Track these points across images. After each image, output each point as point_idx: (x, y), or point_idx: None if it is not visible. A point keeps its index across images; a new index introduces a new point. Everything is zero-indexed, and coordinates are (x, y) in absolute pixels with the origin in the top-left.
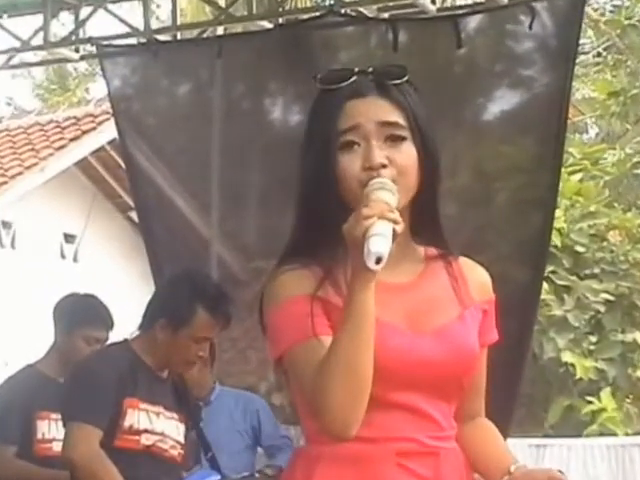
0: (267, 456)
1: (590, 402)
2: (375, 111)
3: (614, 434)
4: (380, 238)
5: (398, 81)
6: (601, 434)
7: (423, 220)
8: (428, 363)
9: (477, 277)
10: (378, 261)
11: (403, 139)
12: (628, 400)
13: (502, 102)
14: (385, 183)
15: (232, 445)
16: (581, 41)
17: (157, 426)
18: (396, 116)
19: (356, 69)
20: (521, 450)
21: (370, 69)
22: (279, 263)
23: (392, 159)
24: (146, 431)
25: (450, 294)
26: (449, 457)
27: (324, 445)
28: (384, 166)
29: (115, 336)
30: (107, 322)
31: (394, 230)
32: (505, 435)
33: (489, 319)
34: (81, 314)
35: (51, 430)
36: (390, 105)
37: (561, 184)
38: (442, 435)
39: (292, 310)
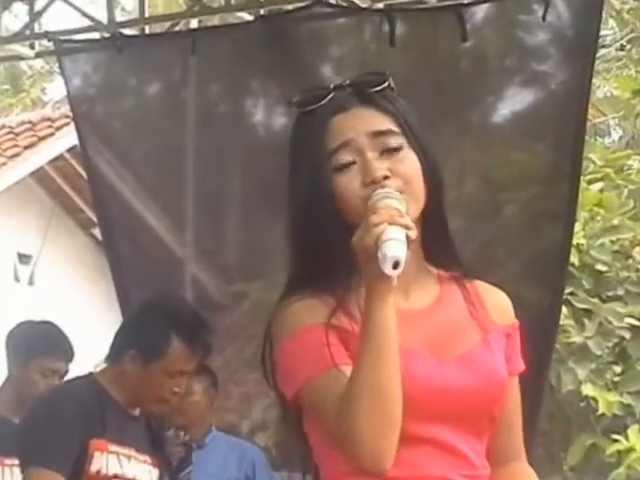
0: None
1: (616, 441)
2: (364, 122)
3: None
4: (395, 242)
5: (379, 87)
6: (629, 477)
7: (434, 237)
8: (455, 392)
9: (496, 301)
10: (396, 266)
11: (400, 147)
12: None
13: (513, 102)
14: (389, 192)
15: None
16: (602, 32)
17: (128, 471)
18: (387, 123)
19: (332, 85)
20: None
21: (347, 81)
22: (284, 295)
23: (394, 169)
24: (116, 477)
25: (469, 319)
26: None
27: None
28: (386, 177)
29: (76, 369)
30: (67, 352)
31: (408, 236)
32: None
33: (514, 345)
34: (37, 343)
35: (5, 478)
36: (378, 113)
37: (579, 194)
38: (475, 474)
39: (307, 340)
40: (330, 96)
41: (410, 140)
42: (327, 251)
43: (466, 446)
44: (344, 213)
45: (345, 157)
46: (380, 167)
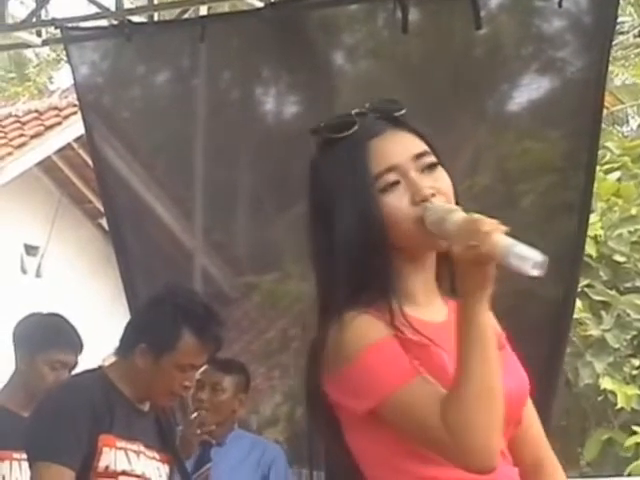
0: None
1: (634, 434)
2: (404, 145)
3: None
4: (526, 246)
5: (402, 112)
6: None
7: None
8: (506, 397)
9: None
10: (542, 266)
11: (436, 165)
12: None
13: (529, 90)
14: (452, 205)
15: None
16: (619, 19)
17: (136, 467)
18: (422, 145)
19: (353, 112)
20: None
21: (368, 107)
22: (335, 313)
23: (437, 188)
24: (124, 473)
25: None
26: None
27: None
28: (433, 195)
29: (85, 362)
30: (75, 345)
31: None
32: None
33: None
34: (45, 336)
35: (13, 472)
36: (410, 135)
37: (596, 184)
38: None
39: (385, 352)
40: (358, 122)
41: (438, 159)
42: (375, 269)
43: (506, 448)
44: (391, 231)
45: (390, 178)
46: (426, 185)
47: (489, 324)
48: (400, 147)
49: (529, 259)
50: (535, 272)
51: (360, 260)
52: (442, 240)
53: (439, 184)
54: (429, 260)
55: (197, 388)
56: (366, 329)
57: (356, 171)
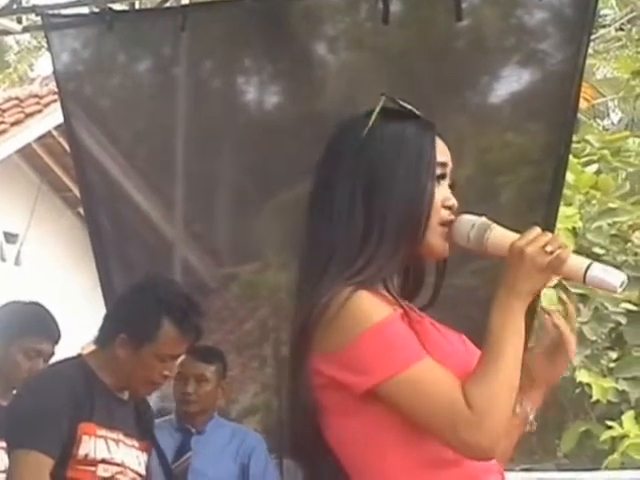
0: None
1: (610, 427)
2: (449, 155)
3: (638, 465)
4: (606, 266)
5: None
6: (622, 464)
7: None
8: None
9: None
10: (622, 285)
11: (453, 188)
12: None
13: (511, 82)
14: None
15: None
16: (602, 12)
17: (116, 456)
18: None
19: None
20: None
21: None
22: (331, 285)
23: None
24: (104, 461)
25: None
26: None
27: (413, 476)
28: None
29: (63, 351)
30: (52, 333)
31: None
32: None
33: None
34: (21, 323)
35: None
36: (448, 150)
37: (574, 177)
38: None
39: (393, 329)
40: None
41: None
42: (399, 248)
43: None
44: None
45: (439, 171)
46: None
47: (522, 323)
48: (448, 154)
49: (615, 276)
50: (620, 289)
51: (396, 232)
52: (447, 244)
53: (456, 205)
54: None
55: (182, 382)
56: (370, 304)
57: (424, 150)
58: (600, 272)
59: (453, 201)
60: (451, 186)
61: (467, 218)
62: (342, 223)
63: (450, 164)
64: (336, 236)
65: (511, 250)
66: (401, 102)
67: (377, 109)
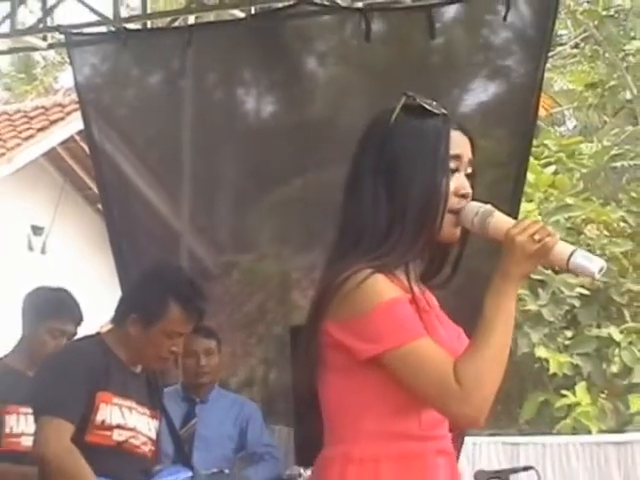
0: (248, 462)
1: (565, 396)
2: (466, 146)
3: (588, 429)
4: (588, 253)
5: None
6: (575, 429)
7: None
8: None
9: None
10: (601, 270)
11: (473, 177)
12: (603, 396)
13: (479, 94)
14: (488, 205)
15: (217, 445)
16: (558, 32)
17: (130, 422)
18: (471, 152)
19: (434, 103)
20: (495, 449)
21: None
22: (351, 265)
23: (470, 193)
24: (118, 427)
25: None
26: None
27: (381, 445)
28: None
29: (84, 329)
30: (75, 315)
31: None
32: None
33: None
34: (48, 307)
35: (20, 425)
36: (469, 142)
37: (534, 177)
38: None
39: (401, 308)
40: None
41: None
42: (420, 236)
43: None
44: None
45: (452, 164)
46: (467, 185)
47: (514, 308)
48: (465, 146)
49: (595, 262)
50: (598, 275)
51: (420, 225)
52: (458, 229)
53: (470, 193)
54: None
55: (194, 358)
56: (384, 286)
57: (439, 145)
58: (581, 259)
59: (467, 190)
60: (470, 174)
61: (473, 205)
62: (369, 214)
63: (467, 155)
64: (364, 224)
65: (505, 238)
66: (420, 100)
67: (398, 107)
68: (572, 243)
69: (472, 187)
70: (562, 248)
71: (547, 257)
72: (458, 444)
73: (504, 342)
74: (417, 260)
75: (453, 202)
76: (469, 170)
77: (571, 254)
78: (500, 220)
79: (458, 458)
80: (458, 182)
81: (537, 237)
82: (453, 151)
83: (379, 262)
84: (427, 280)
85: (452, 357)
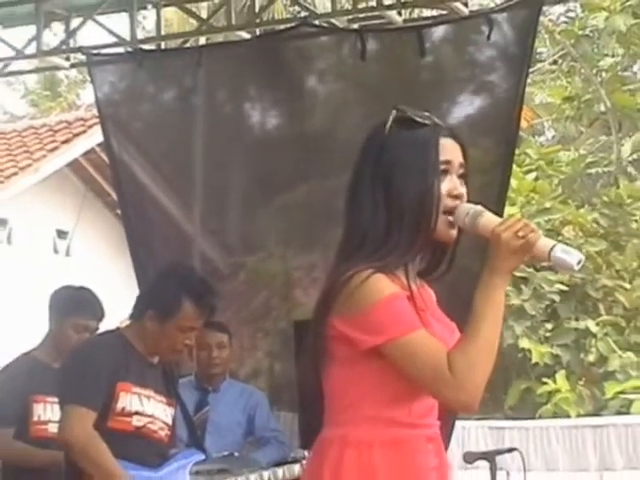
0: (256, 446)
1: (545, 384)
2: (456, 152)
3: (567, 414)
4: (568, 247)
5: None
6: (555, 414)
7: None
8: None
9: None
10: (579, 263)
11: (465, 177)
12: (580, 383)
13: (466, 107)
14: (479, 206)
15: (228, 430)
16: (538, 50)
17: (147, 409)
18: (462, 157)
19: (426, 114)
20: (482, 432)
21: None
22: (354, 266)
23: (463, 194)
24: (137, 413)
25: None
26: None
27: (376, 430)
28: (462, 196)
29: (106, 325)
30: (97, 312)
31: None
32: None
33: None
34: (73, 304)
35: (47, 412)
36: (460, 148)
37: (517, 182)
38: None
39: (400, 304)
40: (431, 121)
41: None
42: (417, 238)
43: None
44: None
45: (443, 167)
46: (461, 187)
47: (503, 300)
48: (454, 151)
49: (574, 255)
50: (577, 267)
51: (415, 227)
52: (455, 230)
53: (464, 192)
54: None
55: (207, 350)
56: (385, 284)
57: (429, 152)
58: (561, 253)
59: (459, 190)
60: (463, 175)
61: (465, 206)
62: (368, 220)
63: (457, 159)
64: (365, 230)
65: (491, 235)
66: (410, 112)
67: (389, 121)
68: None
69: (466, 188)
70: (544, 243)
71: (531, 252)
72: (449, 428)
73: (493, 332)
74: (416, 260)
75: (447, 203)
76: (461, 172)
77: (552, 248)
78: (489, 219)
79: (449, 441)
80: (450, 184)
81: (521, 234)
82: (443, 157)
83: (379, 263)
84: (425, 275)
85: (446, 348)
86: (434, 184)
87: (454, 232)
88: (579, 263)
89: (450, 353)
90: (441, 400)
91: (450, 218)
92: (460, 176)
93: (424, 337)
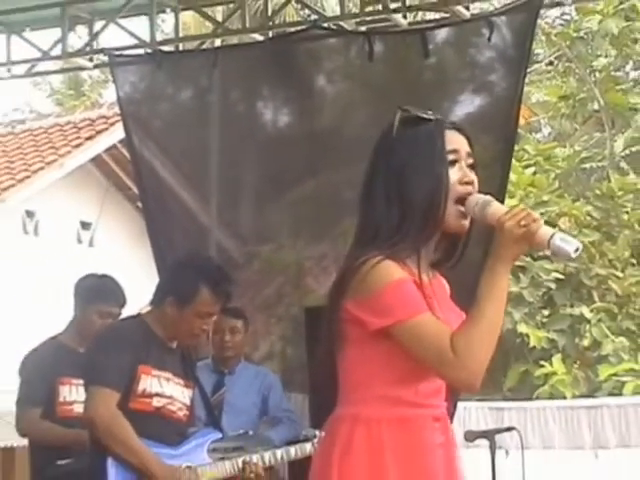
0: (270, 425)
1: (542, 367)
2: (462, 142)
3: (563, 395)
4: (566, 236)
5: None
6: (551, 395)
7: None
8: None
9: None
10: (577, 250)
11: (474, 166)
12: (575, 366)
13: (467, 105)
14: (488, 197)
15: (243, 410)
16: (535, 51)
17: (167, 390)
18: (469, 147)
19: (429, 112)
20: (482, 412)
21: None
22: (368, 253)
23: (473, 182)
24: (157, 395)
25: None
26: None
27: (384, 408)
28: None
29: (128, 311)
30: (119, 299)
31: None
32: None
33: None
34: (96, 291)
35: (72, 394)
36: (466, 139)
37: (516, 177)
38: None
39: (407, 288)
40: (434, 117)
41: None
42: (432, 229)
43: None
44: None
45: (451, 156)
46: (472, 174)
47: (507, 286)
48: (460, 141)
49: (572, 243)
50: (574, 255)
51: (425, 218)
52: (467, 220)
53: (475, 179)
54: (437, 237)
55: (220, 334)
56: (394, 269)
57: (435, 143)
58: (559, 241)
59: (470, 177)
60: (471, 165)
61: (476, 196)
62: (383, 213)
63: (464, 148)
64: (379, 222)
65: (497, 224)
66: (414, 111)
67: (396, 120)
68: None
69: (476, 175)
70: (544, 232)
71: (532, 240)
72: (451, 409)
73: (496, 316)
74: (429, 250)
75: (459, 190)
76: (470, 161)
77: (551, 237)
78: (496, 209)
79: (452, 421)
80: (460, 172)
81: (523, 223)
82: (450, 146)
83: (390, 250)
84: (439, 266)
85: (451, 331)
86: (442, 173)
87: (466, 223)
88: (577, 251)
89: (454, 334)
90: (445, 379)
91: (461, 208)
92: (469, 166)
93: (430, 320)
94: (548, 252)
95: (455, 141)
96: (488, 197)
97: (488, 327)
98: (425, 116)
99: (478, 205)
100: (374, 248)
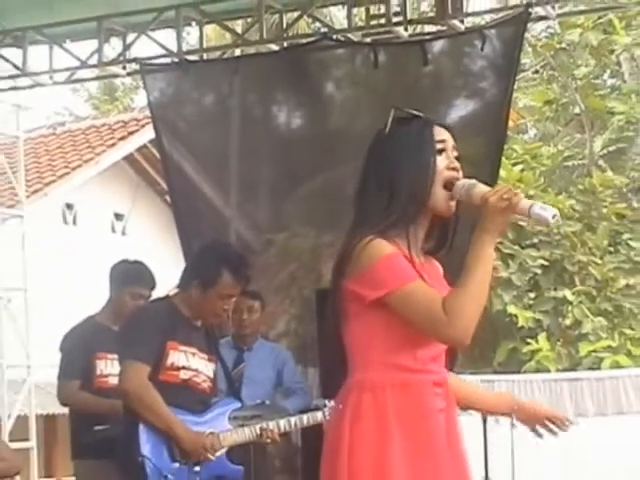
0: (284, 395)
1: (529, 344)
2: (449, 136)
3: (547, 369)
4: (543, 205)
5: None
6: (537, 369)
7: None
8: None
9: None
10: (554, 217)
11: (459, 160)
12: (559, 343)
13: (461, 109)
14: (473, 180)
15: (260, 383)
16: (523, 61)
17: (192, 364)
18: (453, 140)
19: (416, 112)
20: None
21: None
22: (363, 234)
23: (459, 167)
24: (184, 368)
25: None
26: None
27: (386, 374)
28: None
29: (157, 293)
30: (150, 282)
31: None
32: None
33: None
34: (130, 275)
35: (107, 368)
36: (450, 134)
37: (506, 173)
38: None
39: (398, 260)
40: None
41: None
42: (417, 208)
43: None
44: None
45: (439, 145)
46: (456, 162)
47: (492, 255)
48: (447, 134)
49: (549, 211)
50: (552, 220)
51: (411, 197)
52: (453, 202)
53: (459, 166)
54: (427, 221)
55: (239, 313)
56: (385, 246)
57: (424, 133)
58: (539, 209)
59: (456, 164)
60: (457, 158)
61: (463, 180)
62: (374, 197)
63: (450, 141)
64: (371, 207)
65: (481, 199)
66: (407, 111)
67: (390, 118)
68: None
69: (468, 172)
70: (524, 203)
71: (514, 211)
72: None
73: (482, 279)
74: (418, 232)
75: (446, 175)
76: (455, 154)
77: (531, 206)
78: (481, 189)
79: None
80: (447, 160)
81: (505, 196)
82: (438, 137)
83: (380, 230)
84: (433, 253)
85: (441, 296)
86: (430, 158)
87: (453, 204)
88: (554, 217)
89: (445, 298)
90: (436, 337)
91: (449, 192)
92: (455, 158)
93: (421, 286)
94: (528, 222)
95: (443, 133)
96: (473, 180)
97: (476, 290)
98: (416, 114)
99: (464, 187)
100: (366, 230)
